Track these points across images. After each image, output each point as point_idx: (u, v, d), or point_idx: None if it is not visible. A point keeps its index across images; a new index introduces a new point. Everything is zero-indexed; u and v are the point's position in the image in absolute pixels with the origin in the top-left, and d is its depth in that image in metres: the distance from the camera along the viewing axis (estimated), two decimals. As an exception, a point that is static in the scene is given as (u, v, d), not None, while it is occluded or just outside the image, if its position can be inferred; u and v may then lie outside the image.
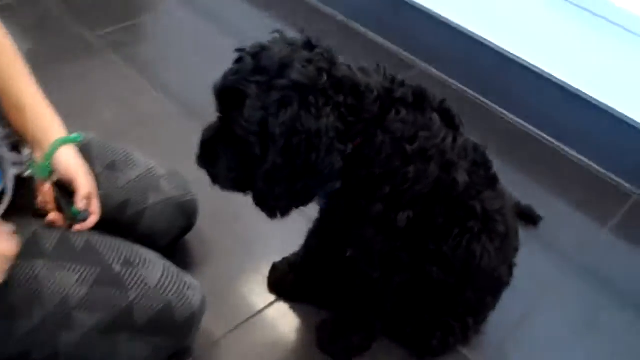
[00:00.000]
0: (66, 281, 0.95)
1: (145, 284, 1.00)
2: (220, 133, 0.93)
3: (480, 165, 1.03)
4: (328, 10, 2.19)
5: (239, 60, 0.89)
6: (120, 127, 1.65)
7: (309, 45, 0.90)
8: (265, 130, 0.86)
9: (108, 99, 1.76)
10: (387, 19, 2.08)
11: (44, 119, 1.05)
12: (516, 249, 1.17)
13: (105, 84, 1.82)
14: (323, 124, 0.85)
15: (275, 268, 1.30)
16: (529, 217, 1.52)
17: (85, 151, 1.10)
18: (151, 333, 1.01)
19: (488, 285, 1.13)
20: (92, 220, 1.05)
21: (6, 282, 0.91)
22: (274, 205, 0.94)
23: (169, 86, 1.83)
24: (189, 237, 1.34)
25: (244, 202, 1.00)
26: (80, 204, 1.03)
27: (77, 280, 0.96)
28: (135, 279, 1.00)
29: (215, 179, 0.97)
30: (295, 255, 1.29)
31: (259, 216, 0.96)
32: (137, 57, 1.93)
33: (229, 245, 1.40)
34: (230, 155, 0.93)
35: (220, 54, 0.99)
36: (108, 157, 1.16)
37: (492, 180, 1.06)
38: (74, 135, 1.06)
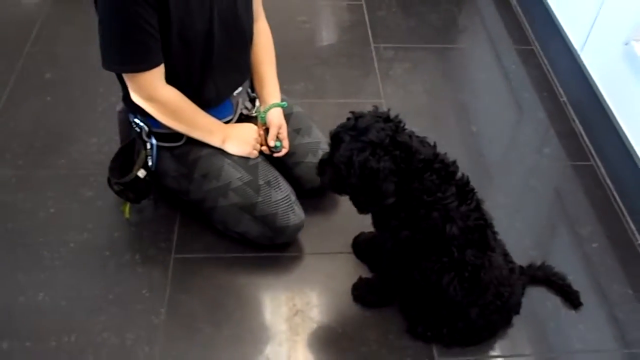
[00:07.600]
0: (234, 175, 1.76)
1: (270, 197, 1.76)
2: (330, 159, 1.53)
3: (476, 230, 1.51)
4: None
5: (347, 120, 1.52)
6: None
7: (387, 118, 1.49)
8: (350, 162, 1.44)
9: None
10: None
11: (271, 90, 1.87)
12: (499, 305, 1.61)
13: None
14: (382, 165, 1.43)
15: (358, 236, 1.94)
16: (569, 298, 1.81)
17: (287, 116, 1.89)
18: (261, 223, 1.77)
19: (458, 309, 1.61)
20: (283, 152, 1.85)
21: (211, 160, 1.76)
22: (359, 206, 1.55)
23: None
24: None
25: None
26: (277, 142, 1.82)
27: (238, 177, 1.76)
28: (266, 192, 1.76)
29: (323, 183, 1.61)
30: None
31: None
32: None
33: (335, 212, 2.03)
34: (331, 172, 1.53)
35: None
36: (298, 124, 1.92)
37: (485, 245, 1.53)
38: (283, 102, 1.86)
